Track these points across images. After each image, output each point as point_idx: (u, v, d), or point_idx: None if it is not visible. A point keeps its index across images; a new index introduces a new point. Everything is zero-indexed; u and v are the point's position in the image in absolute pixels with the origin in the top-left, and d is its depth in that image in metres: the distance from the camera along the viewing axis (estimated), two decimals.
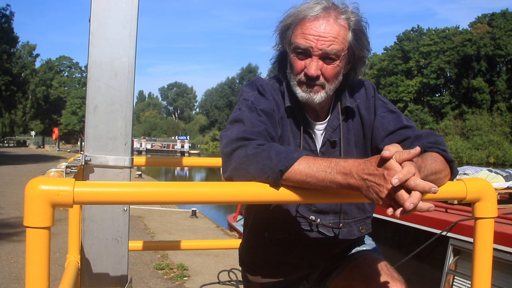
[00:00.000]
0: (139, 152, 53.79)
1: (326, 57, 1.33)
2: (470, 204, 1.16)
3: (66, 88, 72.16)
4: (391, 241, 3.70)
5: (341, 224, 1.51)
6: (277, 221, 1.50)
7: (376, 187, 0.98)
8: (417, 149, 1.00)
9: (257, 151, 1.13)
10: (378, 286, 1.38)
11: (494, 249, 1.75)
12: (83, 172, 1.41)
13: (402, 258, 3.30)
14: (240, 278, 4.35)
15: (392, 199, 0.97)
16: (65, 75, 74.65)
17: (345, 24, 1.33)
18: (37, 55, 64.33)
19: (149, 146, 59.55)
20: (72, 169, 1.33)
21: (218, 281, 4.65)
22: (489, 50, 46.82)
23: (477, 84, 47.84)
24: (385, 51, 58.33)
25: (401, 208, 0.96)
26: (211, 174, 24.52)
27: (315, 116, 1.47)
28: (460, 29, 54.08)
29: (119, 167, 1.43)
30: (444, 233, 3.10)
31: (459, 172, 3.03)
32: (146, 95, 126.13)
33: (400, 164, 0.98)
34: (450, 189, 1.16)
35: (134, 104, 1.54)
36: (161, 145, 61.63)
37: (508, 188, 3.44)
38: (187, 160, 2.57)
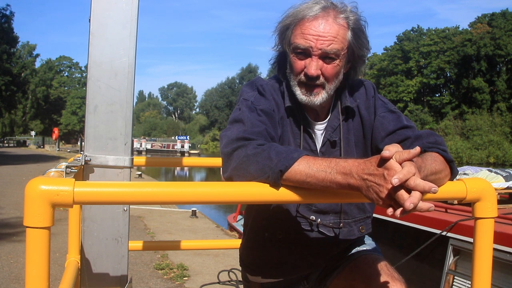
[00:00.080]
0: (139, 152, 53.79)
1: (326, 57, 1.33)
2: (470, 204, 1.16)
3: (66, 88, 72.17)
4: (391, 241, 3.70)
5: (341, 224, 1.51)
6: (277, 221, 1.50)
7: (376, 187, 0.98)
8: (417, 149, 1.00)
9: (257, 151, 1.13)
10: (378, 286, 1.38)
11: (494, 249, 1.75)
12: (83, 172, 1.41)
13: (402, 258, 3.30)
14: (240, 278, 4.35)
15: (392, 199, 0.97)
16: (65, 75, 74.66)
17: (344, 23, 1.34)
18: (37, 55, 64.41)
19: (149, 146, 59.55)
20: (72, 169, 1.33)
21: (218, 281, 4.65)
22: (489, 50, 46.82)
23: (477, 84, 47.84)
24: (385, 51, 58.33)
25: (401, 208, 0.96)
26: (211, 174, 24.52)
27: (315, 116, 1.47)
28: (460, 29, 54.11)
29: (119, 167, 1.43)
30: (444, 233, 3.10)
31: (459, 172, 3.03)
32: (146, 95, 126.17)
33: (400, 164, 0.98)
34: (450, 189, 1.16)
35: (134, 104, 1.54)
36: (161, 145, 61.64)
37: (508, 188, 3.44)
38: (187, 160, 2.57)
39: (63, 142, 66.09)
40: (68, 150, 46.91)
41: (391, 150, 0.99)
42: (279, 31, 1.42)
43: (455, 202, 3.41)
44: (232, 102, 74.06)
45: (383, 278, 1.39)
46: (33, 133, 62.77)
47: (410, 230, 3.46)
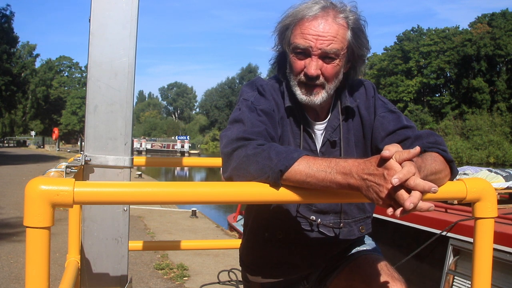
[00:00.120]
0: (139, 152, 53.79)
1: (325, 57, 1.33)
2: (470, 204, 1.16)
3: (66, 88, 72.18)
4: (391, 241, 3.70)
5: (341, 224, 1.51)
6: (277, 221, 1.50)
7: (376, 187, 0.98)
8: (417, 149, 1.00)
9: (257, 151, 1.13)
10: (378, 286, 1.38)
11: (494, 249, 1.75)
12: (83, 172, 1.41)
13: (402, 258, 3.30)
14: (240, 278, 4.35)
15: (392, 199, 0.97)
16: (65, 75, 74.66)
17: (343, 23, 1.34)
18: (37, 55, 64.39)
19: (149, 146, 59.54)
20: (72, 169, 1.33)
21: (218, 281, 4.65)
22: (489, 50, 46.83)
23: (477, 84, 47.84)
24: (385, 51, 58.33)
25: (401, 208, 0.96)
26: (211, 174, 24.52)
27: (315, 116, 1.47)
28: (460, 29, 54.10)
29: (119, 167, 1.43)
30: (444, 233, 3.10)
31: (459, 172, 3.03)
32: (146, 95, 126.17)
33: (400, 164, 0.98)
34: (450, 189, 1.16)
35: (134, 104, 1.54)
36: (161, 145, 61.63)
37: (508, 188, 3.44)
38: (187, 160, 2.57)
39: (63, 142, 66.09)
40: (68, 150, 46.91)
41: (391, 150, 0.99)
42: (278, 31, 1.42)
43: (455, 202, 3.41)
44: (232, 102, 74.07)
45: (383, 278, 1.39)
46: (33, 133, 62.76)
47: (410, 230, 3.46)
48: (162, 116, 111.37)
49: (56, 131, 42.54)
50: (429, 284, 3.25)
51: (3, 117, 51.45)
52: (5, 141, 62.69)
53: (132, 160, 1.45)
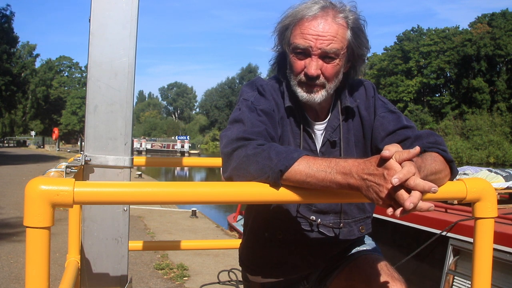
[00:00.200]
0: (139, 152, 53.78)
1: (325, 56, 1.33)
2: (470, 204, 1.16)
3: (66, 88, 72.17)
4: (391, 241, 3.70)
5: (341, 224, 1.51)
6: (277, 221, 1.50)
7: (376, 187, 0.98)
8: (417, 148, 1.00)
9: (257, 151, 1.13)
10: (378, 286, 1.38)
11: (494, 249, 1.75)
12: (83, 172, 1.41)
13: (402, 258, 3.30)
14: (240, 278, 4.35)
15: (392, 199, 0.97)
16: (65, 75, 74.65)
17: (343, 23, 1.34)
18: (37, 55, 64.36)
19: (149, 146, 59.53)
20: (72, 169, 1.33)
21: (218, 281, 4.65)
22: (489, 50, 46.82)
23: (477, 84, 47.84)
24: (385, 51, 58.33)
25: (401, 208, 0.96)
26: (211, 174, 24.52)
27: (315, 116, 1.47)
28: (460, 29, 54.10)
29: (119, 167, 1.43)
30: (444, 233, 3.11)
31: (459, 172, 3.03)
32: (146, 95, 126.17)
33: (400, 164, 0.98)
34: (450, 189, 1.16)
35: (134, 104, 1.54)
36: (161, 145, 61.63)
37: (508, 188, 3.44)
38: (187, 160, 2.57)
39: (63, 142, 66.09)
40: (68, 150, 46.91)
41: (391, 150, 0.99)
42: (278, 31, 1.42)
43: (455, 202, 3.41)
44: (232, 102, 74.07)
45: (383, 278, 1.39)
46: (33, 133, 62.76)
47: (410, 230, 3.46)
48: (162, 116, 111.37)
49: (56, 131, 42.54)
50: (429, 284, 3.25)
51: (3, 117, 51.45)
52: (5, 141, 62.68)
53: (132, 160, 1.45)
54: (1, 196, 10.23)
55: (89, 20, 1.41)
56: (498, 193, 3.40)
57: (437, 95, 54.49)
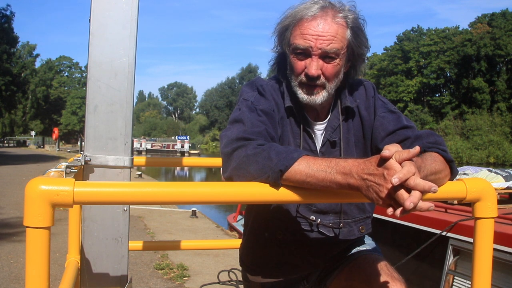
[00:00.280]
0: (139, 152, 53.78)
1: (326, 56, 1.33)
2: (470, 204, 1.16)
3: (66, 88, 72.17)
4: (391, 241, 3.70)
5: (341, 224, 1.51)
6: (277, 221, 1.50)
7: (376, 187, 0.98)
8: (417, 148, 1.00)
9: (257, 151, 1.13)
10: (378, 286, 1.38)
11: (494, 249, 1.75)
12: (83, 172, 1.41)
13: (402, 258, 3.30)
14: (240, 278, 4.35)
15: (392, 199, 0.97)
16: (65, 75, 74.66)
17: (343, 23, 1.34)
18: (37, 55, 64.37)
19: (149, 146, 59.53)
20: (72, 169, 1.33)
21: (218, 281, 4.65)
22: (489, 50, 46.82)
23: (477, 84, 47.84)
24: (385, 51, 58.32)
25: (401, 208, 0.96)
26: (211, 174, 24.52)
27: (315, 116, 1.47)
28: (460, 29, 54.09)
29: (119, 167, 1.43)
30: (444, 233, 3.10)
31: (459, 172, 3.03)
32: (146, 95, 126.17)
33: (400, 163, 0.98)
34: (450, 189, 1.16)
35: (134, 104, 1.54)
36: (161, 145, 61.63)
37: (508, 188, 3.44)
38: (187, 160, 2.57)
39: (63, 142, 66.09)
40: (68, 150, 46.91)
41: (391, 149, 0.99)
42: (278, 32, 1.42)
43: (455, 202, 3.41)
44: (232, 102, 74.07)
45: (383, 278, 1.39)
46: (33, 133, 62.77)
47: (410, 230, 3.46)
48: (162, 116, 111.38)
49: (56, 131, 42.53)
50: (429, 284, 3.25)
51: (3, 117, 51.45)
52: (5, 141, 62.68)
53: (132, 160, 1.45)
54: (1, 196, 10.23)
55: (89, 20, 1.41)
56: (498, 193, 3.40)
57: (437, 95, 54.49)
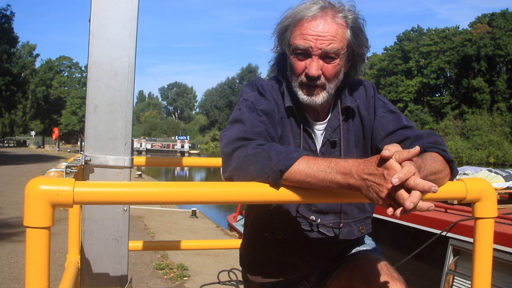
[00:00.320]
0: (139, 152, 53.78)
1: (326, 56, 1.33)
2: (470, 204, 1.16)
3: (66, 88, 72.15)
4: (391, 241, 3.70)
5: (341, 224, 1.51)
6: (277, 221, 1.50)
7: (376, 187, 0.98)
8: (417, 148, 1.00)
9: (257, 151, 1.13)
10: (378, 286, 1.38)
11: (494, 249, 1.75)
12: (83, 172, 1.41)
13: (402, 258, 3.30)
14: (240, 278, 4.35)
15: (392, 199, 0.97)
16: (65, 75, 74.63)
17: (343, 23, 1.34)
18: (37, 55, 64.33)
19: (149, 146, 59.54)
20: (72, 169, 1.33)
21: (218, 281, 4.65)
22: (489, 50, 46.82)
23: (477, 84, 47.84)
24: (385, 51, 58.33)
25: (401, 208, 0.96)
26: (211, 174, 24.52)
27: (315, 116, 1.47)
28: (460, 29, 54.09)
29: (119, 167, 1.43)
30: (444, 233, 3.10)
31: (459, 172, 3.03)
32: (146, 95, 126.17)
33: (400, 163, 0.98)
34: (450, 189, 1.16)
35: (134, 104, 1.54)
36: (161, 145, 61.63)
37: (508, 188, 3.44)
38: (187, 160, 2.57)
39: (63, 142, 66.08)
40: (68, 150, 46.91)
41: (391, 149, 0.99)
42: (278, 32, 1.42)
43: (455, 202, 3.41)
44: (232, 102, 74.07)
45: (383, 278, 1.39)
46: (33, 133, 62.77)
47: (410, 230, 3.46)
48: (162, 116, 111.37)
49: (56, 131, 42.53)
50: (429, 284, 3.25)
51: (3, 117, 51.45)
52: (5, 141, 62.68)
53: (132, 160, 1.45)
54: (1, 196, 10.23)
55: (89, 20, 1.41)
56: (498, 193, 3.40)
57: (437, 95, 54.49)
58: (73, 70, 75.57)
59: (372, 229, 1.61)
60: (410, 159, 0.99)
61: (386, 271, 1.41)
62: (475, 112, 47.66)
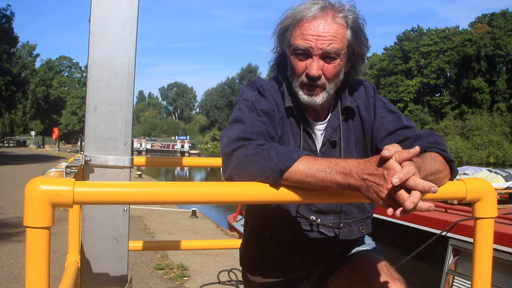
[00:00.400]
0: (139, 152, 53.79)
1: (326, 57, 1.33)
2: (470, 204, 1.16)
3: (66, 88, 72.15)
4: (391, 241, 3.70)
5: (341, 224, 1.51)
6: (277, 221, 1.50)
7: (376, 187, 0.98)
8: (417, 148, 1.00)
9: (257, 151, 1.13)
10: (378, 286, 1.38)
11: (494, 249, 1.75)
12: (83, 172, 1.41)
13: (402, 258, 3.30)
14: (240, 278, 4.35)
15: (392, 199, 0.97)
16: (65, 75, 74.63)
17: (343, 23, 1.34)
18: (37, 55, 64.32)
19: (149, 146, 59.55)
20: (72, 169, 1.33)
21: (218, 281, 4.65)
22: (489, 50, 46.82)
23: (477, 84, 47.84)
24: (385, 51, 58.32)
25: (401, 208, 0.96)
26: (211, 174, 24.52)
27: (315, 116, 1.47)
28: (460, 29, 54.09)
29: (119, 167, 1.43)
30: (444, 233, 3.11)
31: (459, 172, 3.03)
32: (146, 95, 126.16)
33: (400, 164, 0.98)
34: (450, 189, 1.16)
35: (134, 104, 1.54)
36: (161, 145, 61.64)
37: (508, 188, 3.44)
38: (187, 160, 2.57)
39: (63, 142, 66.09)
40: (68, 150, 46.91)
41: (391, 150, 0.99)
42: (278, 33, 1.42)
43: (455, 202, 3.41)
44: (232, 102, 74.07)
45: (383, 278, 1.39)
46: (33, 133, 62.78)
47: (410, 230, 3.46)
48: (162, 116, 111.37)
49: (56, 131, 42.53)
50: (429, 284, 3.25)
51: (3, 117, 51.44)
52: (5, 141, 62.68)
53: (132, 160, 1.45)
54: (1, 196, 10.23)
55: (89, 20, 1.41)
56: (498, 193, 3.40)
57: (437, 95, 54.49)
58: (73, 70, 75.59)
59: (372, 229, 1.61)
60: (410, 159, 0.99)
61: (386, 271, 1.41)
62: (475, 112, 47.66)
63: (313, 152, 1.45)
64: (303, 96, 1.38)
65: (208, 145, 73.60)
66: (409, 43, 54.43)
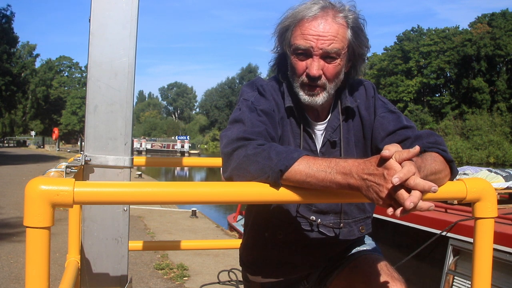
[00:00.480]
0: (139, 152, 53.79)
1: (327, 56, 1.33)
2: (470, 204, 1.16)
3: (66, 88, 72.15)
4: (391, 241, 3.70)
5: (341, 224, 1.51)
6: (277, 221, 1.50)
7: (376, 187, 0.98)
8: (417, 148, 1.00)
9: (257, 151, 1.13)
10: (378, 286, 1.38)
11: (494, 249, 1.75)
12: (83, 172, 1.41)
13: (402, 258, 3.30)
14: (240, 278, 4.35)
15: (392, 199, 0.97)
16: (65, 75, 74.63)
17: (343, 22, 1.34)
18: (37, 55, 64.32)
19: (149, 146, 59.56)
20: (72, 169, 1.33)
21: (218, 281, 4.65)
22: (489, 50, 46.81)
23: (477, 84, 47.83)
24: (385, 51, 58.31)
25: (401, 208, 0.96)
26: (211, 174, 24.52)
27: (316, 116, 1.47)
28: (460, 29, 54.09)
29: (119, 167, 1.43)
30: (444, 233, 3.11)
31: (459, 172, 3.03)
32: (146, 95, 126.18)
33: (400, 163, 0.98)
34: (450, 189, 1.16)
35: (134, 104, 1.54)
36: (161, 145, 61.65)
37: (508, 188, 3.45)
38: (187, 160, 2.57)
39: (63, 142, 66.09)
40: (68, 150, 46.91)
41: (391, 149, 0.99)
42: (278, 33, 1.42)
43: (455, 202, 3.41)
44: (232, 102, 74.07)
45: (383, 278, 1.39)
46: (33, 133, 62.79)
47: (410, 230, 3.46)
48: (162, 116, 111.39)
49: (56, 131, 42.54)
50: (429, 284, 3.25)
51: (3, 117, 51.44)
52: (5, 141, 62.68)
53: (132, 160, 1.45)
54: (1, 196, 10.23)
55: (89, 20, 1.41)
56: (498, 193, 3.41)
57: (437, 95, 54.48)
58: (73, 70, 75.58)
59: (372, 229, 1.61)
60: (410, 159, 0.99)
61: (386, 271, 1.41)
62: (475, 112, 47.65)
63: (313, 152, 1.45)
64: (303, 96, 1.38)
65: (205, 146, 73.63)
66: (409, 43, 54.43)
